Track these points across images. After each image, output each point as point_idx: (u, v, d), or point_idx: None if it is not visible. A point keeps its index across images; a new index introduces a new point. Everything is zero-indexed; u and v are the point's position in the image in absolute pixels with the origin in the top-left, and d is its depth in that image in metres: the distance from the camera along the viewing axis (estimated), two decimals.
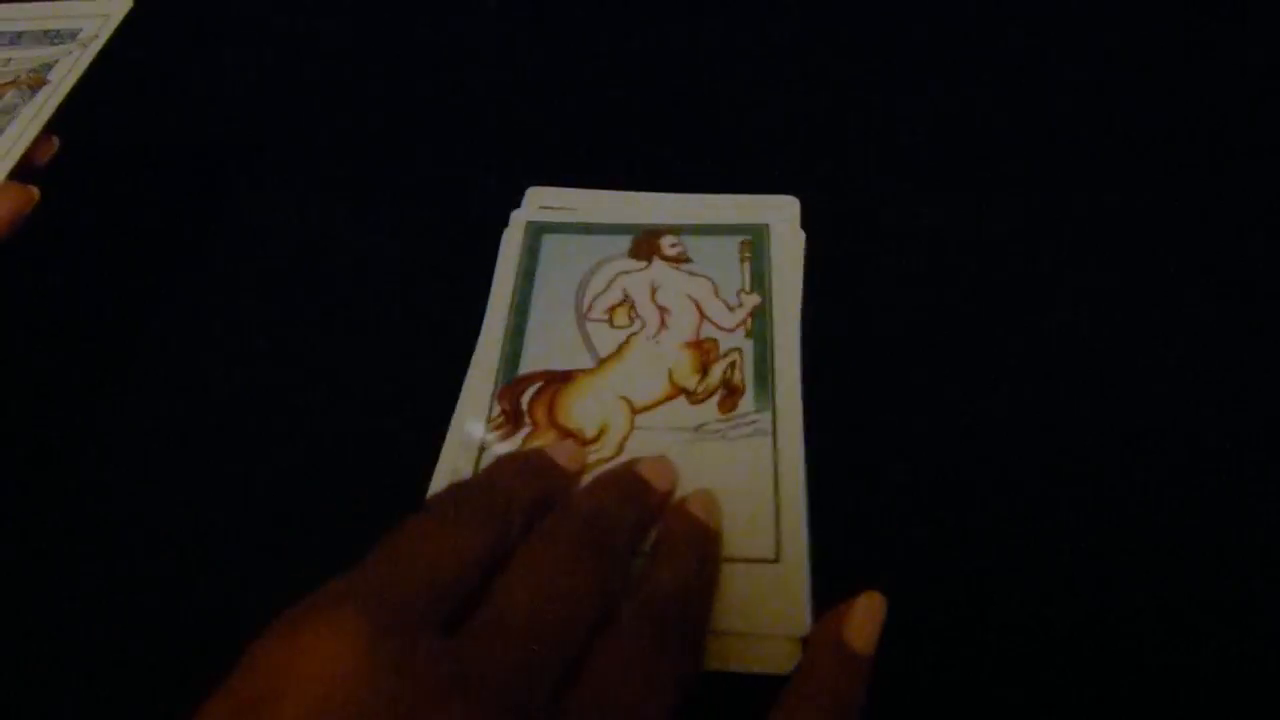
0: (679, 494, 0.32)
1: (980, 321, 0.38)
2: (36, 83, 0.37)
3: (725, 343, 0.36)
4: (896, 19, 0.50)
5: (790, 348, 0.36)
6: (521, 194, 0.42)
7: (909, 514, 0.33)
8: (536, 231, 0.40)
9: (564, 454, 0.32)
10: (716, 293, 0.38)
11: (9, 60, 0.38)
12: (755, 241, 0.39)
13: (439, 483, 0.33)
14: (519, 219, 0.41)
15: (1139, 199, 0.41)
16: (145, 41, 0.42)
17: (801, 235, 0.40)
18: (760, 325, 0.37)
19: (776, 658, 0.29)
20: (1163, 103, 0.45)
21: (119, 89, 0.45)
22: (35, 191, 0.34)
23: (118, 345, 0.39)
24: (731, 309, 0.37)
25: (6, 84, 0.37)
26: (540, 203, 0.42)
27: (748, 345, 0.36)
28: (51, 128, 0.35)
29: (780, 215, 0.40)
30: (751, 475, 0.33)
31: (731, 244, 0.40)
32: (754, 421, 0.34)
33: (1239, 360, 0.36)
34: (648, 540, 0.30)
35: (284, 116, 0.47)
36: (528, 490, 0.29)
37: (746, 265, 0.39)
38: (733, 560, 0.31)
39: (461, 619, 0.24)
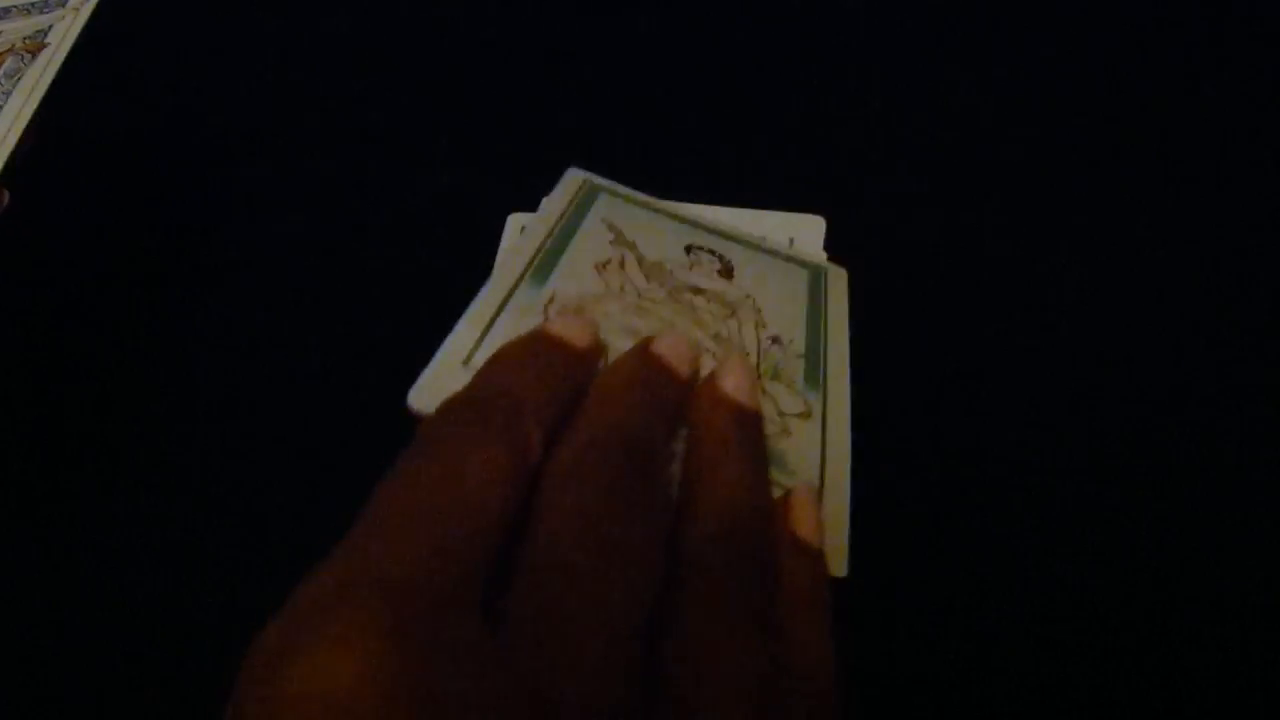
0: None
1: (1000, 333, 0.38)
2: (35, 48, 0.36)
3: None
4: (915, 29, 0.50)
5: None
6: (521, 196, 0.41)
7: (924, 520, 0.33)
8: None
9: (574, 328, 0.25)
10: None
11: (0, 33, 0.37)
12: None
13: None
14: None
15: (1164, 210, 0.41)
16: (142, 40, 0.42)
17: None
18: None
19: None
20: (1210, 118, 0.45)
21: (115, 86, 0.45)
22: (5, 195, 0.32)
23: (110, 342, 0.38)
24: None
25: (4, 52, 0.36)
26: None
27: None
28: (41, 119, 0.34)
29: (809, 236, 0.39)
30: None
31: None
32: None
33: (1249, 365, 0.37)
34: (679, 438, 0.25)
35: (282, 116, 0.47)
36: (540, 393, 0.23)
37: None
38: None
39: (500, 590, 0.19)
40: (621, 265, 0.33)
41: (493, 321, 0.30)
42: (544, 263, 0.32)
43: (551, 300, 0.31)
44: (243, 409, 0.36)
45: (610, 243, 0.34)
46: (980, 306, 0.39)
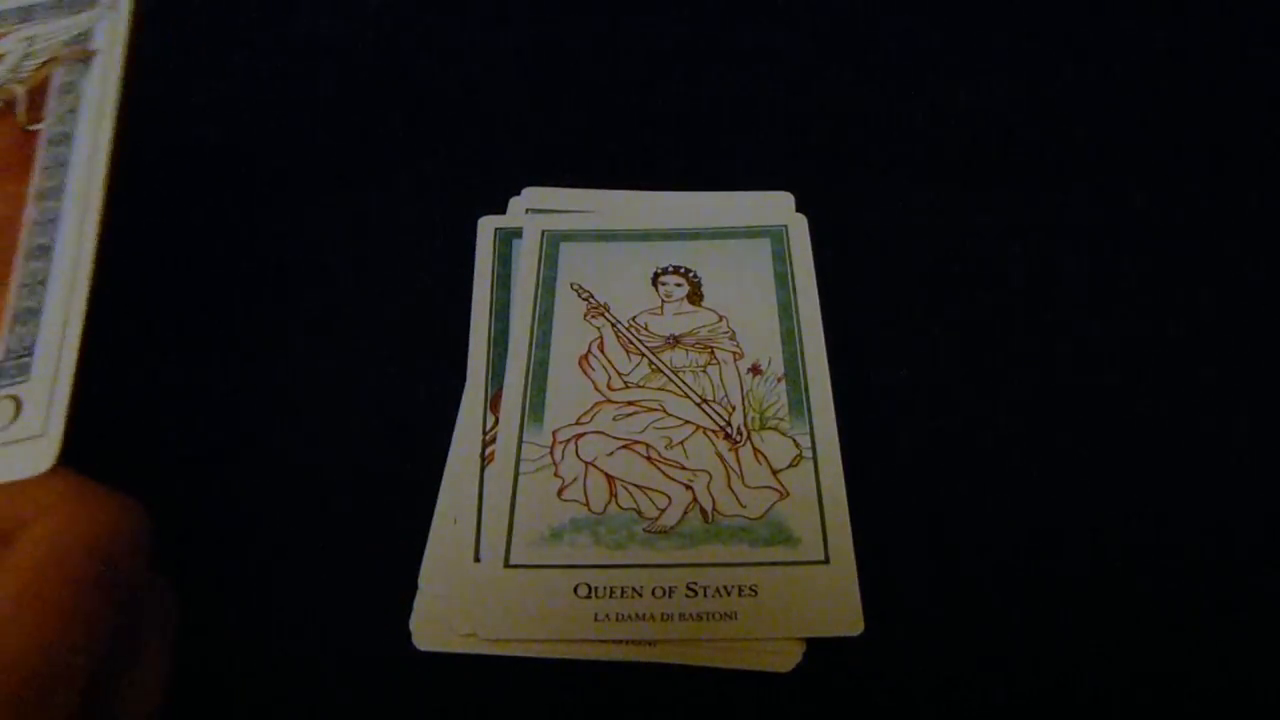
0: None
1: (977, 320, 0.38)
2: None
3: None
4: (895, 17, 0.49)
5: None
6: (517, 194, 0.41)
7: (899, 511, 0.33)
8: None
9: None
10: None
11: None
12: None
13: (446, 499, 0.33)
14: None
15: (1135, 195, 0.42)
16: (139, 43, 0.41)
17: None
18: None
19: (780, 657, 0.30)
20: (1163, 100, 0.45)
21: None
22: None
23: (109, 344, 0.37)
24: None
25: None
26: (534, 204, 0.41)
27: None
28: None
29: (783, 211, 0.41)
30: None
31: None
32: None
33: (1247, 360, 0.37)
34: None
35: (279, 118, 0.46)
36: None
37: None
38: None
39: None
40: (601, 348, 0.36)
41: (514, 503, 0.32)
42: (535, 399, 0.35)
43: (553, 442, 0.34)
44: (246, 412, 0.36)
45: (584, 317, 0.37)
46: (953, 286, 0.39)
